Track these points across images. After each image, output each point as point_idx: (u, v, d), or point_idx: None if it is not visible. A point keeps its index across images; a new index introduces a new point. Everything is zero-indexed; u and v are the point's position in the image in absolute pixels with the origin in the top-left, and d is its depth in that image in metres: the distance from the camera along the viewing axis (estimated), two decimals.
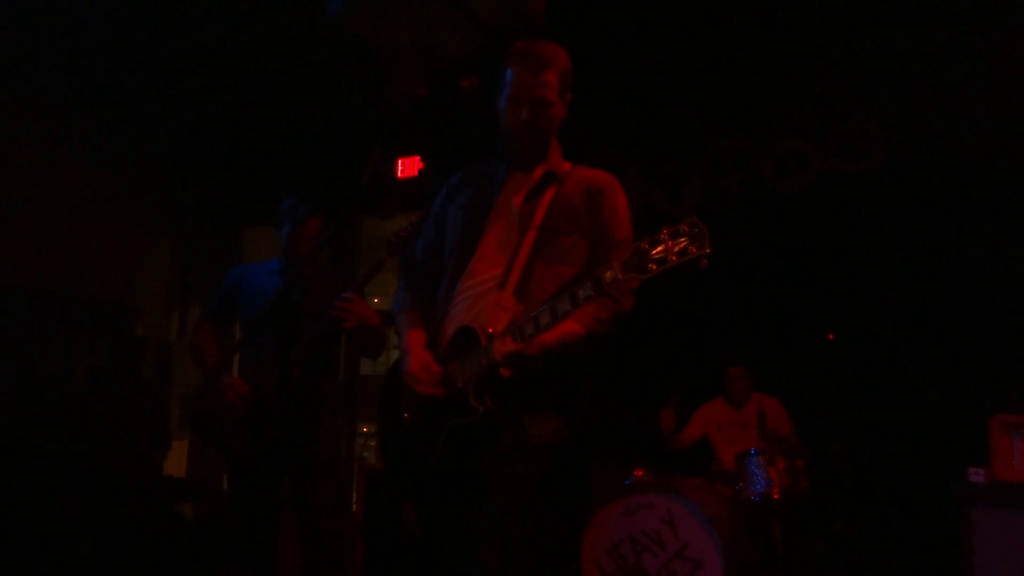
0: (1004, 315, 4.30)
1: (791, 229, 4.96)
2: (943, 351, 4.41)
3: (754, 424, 4.49)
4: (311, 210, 3.38)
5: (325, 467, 3.27)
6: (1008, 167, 4.38)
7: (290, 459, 3.22)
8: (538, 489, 2.07)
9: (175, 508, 5.37)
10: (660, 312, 5.04)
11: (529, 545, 2.04)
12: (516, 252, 2.18)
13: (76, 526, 4.53)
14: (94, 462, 4.70)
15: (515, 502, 2.04)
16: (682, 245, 1.76)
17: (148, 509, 4.81)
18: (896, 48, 4.69)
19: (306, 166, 6.22)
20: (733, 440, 4.66)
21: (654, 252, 1.78)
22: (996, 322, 4.31)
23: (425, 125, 4.95)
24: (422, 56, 4.69)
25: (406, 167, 5.72)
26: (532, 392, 2.09)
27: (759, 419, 4.43)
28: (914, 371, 4.48)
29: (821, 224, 4.88)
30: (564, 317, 1.95)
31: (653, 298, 5.03)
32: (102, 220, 6.07)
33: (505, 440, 2.07)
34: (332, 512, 3.25)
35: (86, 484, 4.65)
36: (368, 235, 6.39)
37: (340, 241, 6.13)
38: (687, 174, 5.26)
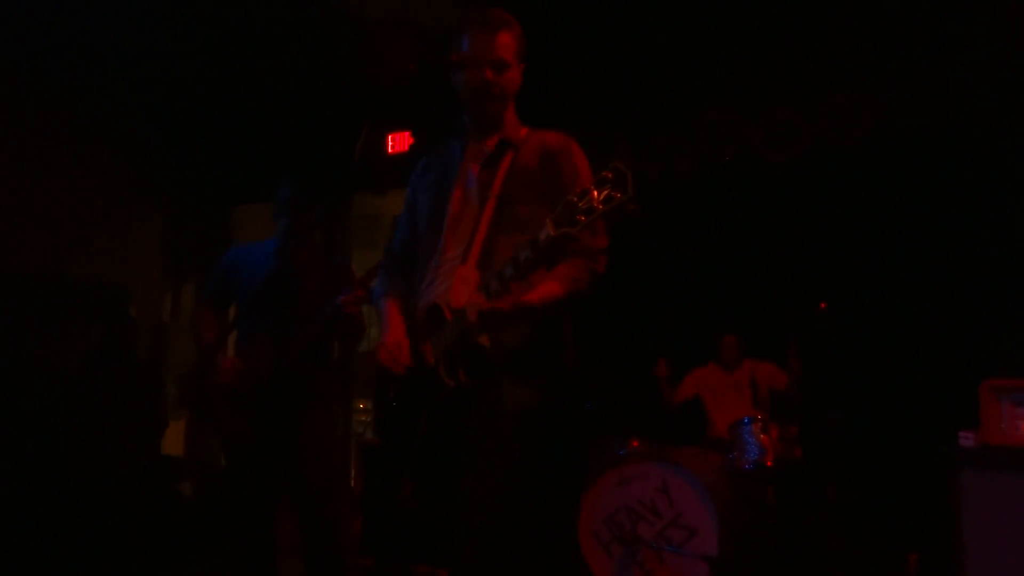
0: (994, 282, 4.33)
1: (783, 199, 4.96)
2: (933, 318, 4.44)
3: (747, 388, 4.53)
4: (309, 201, 3.36)
5: (322, 446, 3.28)
6: (998, 135, 4.38)
7: (287, 438, 3.24)
8: (516, 458, 2.07)
9: (174, 486, 5.40)
10: (653, 283, 5.07)
11: (511, 515, 2.04)
12: (476, 225, 2.18)
13: (75, 506, 4.56)
14: (92, 443, 4.72)
15: (494, 472, 2.04)
16: (606, 192, 1.76)
17: (147, 488, 4.84)
18: (886, 17, 4.67)
19: (296, 144, 6.19)
20: (726, 404, 4.70)
21: (582, 203, 1.78)
22: (986, 289, 4.34)
23: (415, 100, 4.92)
24: (410, 30, 4.66)
25: (396, 142, 5.71)
26: (505, 362, 2.09)
27: (752, 385, 4.47)
28: (905, 338, 4.51)
29: (813, 194, 4.88)
30: (509, 282, 1.94)
31: (645, 269, 5.05)
32: (93, 202, 6.05)
33: (481, 412, 2.07)
34: (329, 491, 3.26)
35: (84, 465, 4.67)
36: (359, 212, 6.38)
37: (331, 218, 6.12)
38: (677, 146, 5.25)
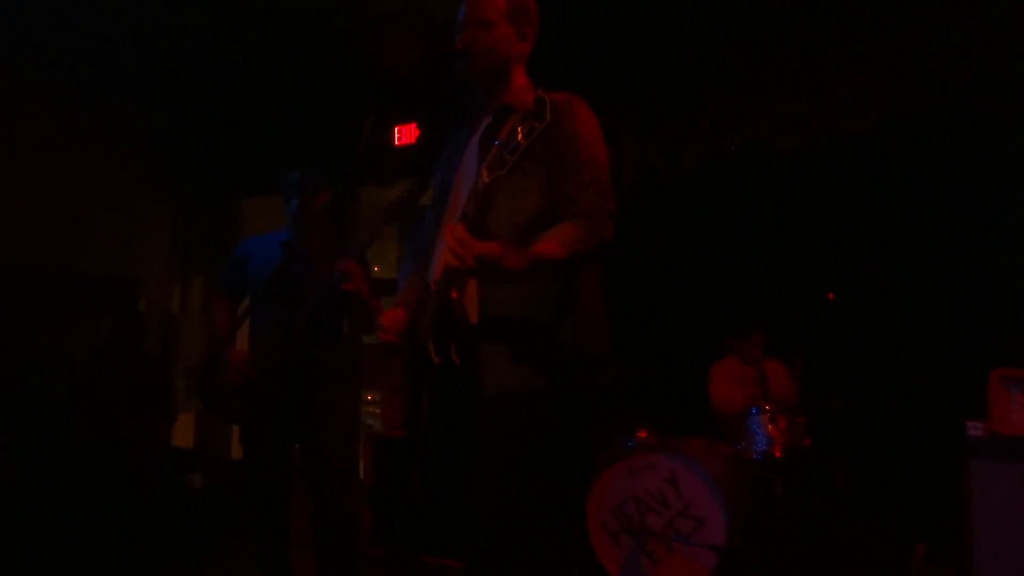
0: (1002, 271, 4.30)
1: (790, 189, 4.94)
2: (942, 307, 4.42)
3: (756, 382, 4.51)
4: (319, 184, 3.37)
5: (333, 435, 3.30)
6: (1008, 123, 4.35)
7: (299, 428, 3.26)
8: (514, 442, 1.96)
9: (184, 478, 5.44)
10: (657, 274, 5.06)
11: (517, 505, 1.97)
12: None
13: (85, 498, 4.59)
14: (101, 435, 4.75)
15: (493, 458, 1.96)
16: (530, 124, 1.71)
17: (157, 479, 4.87)
18: (893, 4, 4.64)
19: (303, 136, 6.19)
20: (735, 395, 4.68)
21: (509, 143, 1.73)
22: (995, 277, 4.32)
23: (421, 92, 4.92)
24: (417, 22, 4.65)
25: (403, 134, 5.70)
26: (497, 342, 1.98)
27: (761, 379, 4.46)
28: (913, 327, 4.49)
29: (820, 183, 4.86)
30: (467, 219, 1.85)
31: (650, 260, 5.02)
32: (102, 195, 6.08)
33: (476, 394, 1.98)
34: (340, 480, 3.27)
35: (94, 457, 4.70)
36: (366, 204, 6.38)
37: (339, 210, 6.12)
38: (684, 136, 5.23)
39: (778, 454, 3.98)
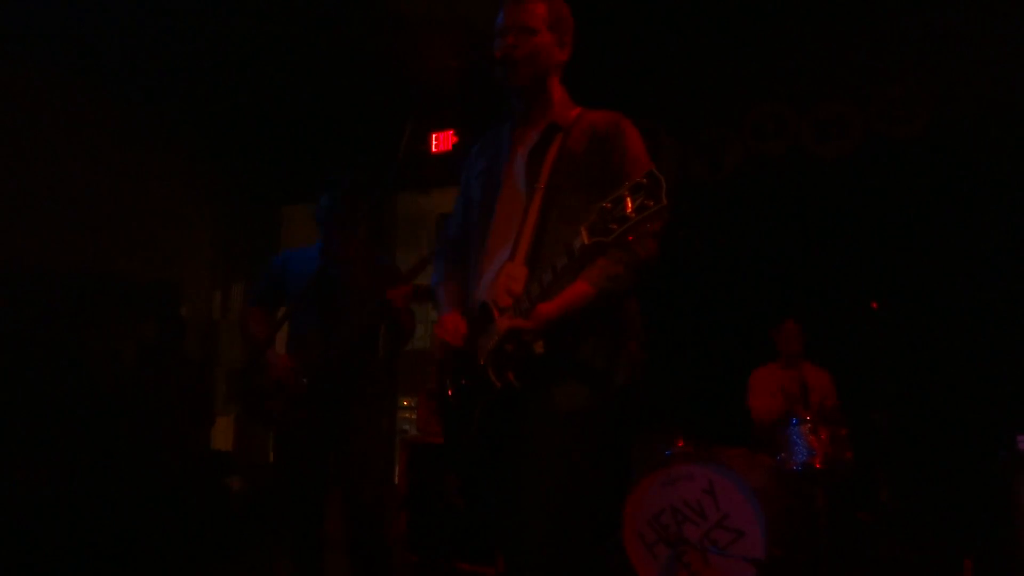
0: None
1: (833, 195, 4.86)
2: (988, 316, 4.31)
3: (796, 390, 4.43)
4: (348, 211, 3.40)
5: (367, 444, 3.31)
6: None
7: (335, 434, 3.28)
8: (571, 460, 2.02)
9: (223, 481, 5.50)
10: (698, 280, 5.01)
11: (569, 517, 2.01)
12: (524, 218, 2.12)
13: (125, 499, 4.66)
14: (142, 438, 4.82)
15: (550, 476, 2.01)
16: (640, 200, 1.70)
17: (196, 482, 4.93)
18: (940, 10, 4.55)
19: (342, 144, 6.25)
20: (774, 404, 4.60)
21: (616, 211, 1.73)
22: None
23: (459, 99, 4.94)
24: (455, 29, 4.67)
25: (440, 141, 5.73)
26: (555, 362, 2.03)
27: (802, 387, 4.37)
28: (959, 337, 4.39)
29: (864, 190, 4.78)
30: (550, 288, 1.91)
31: (690, 266, 4.97)
32: (146, 201, 6.19)
33: (533, 412, 2.04)
34: (373, 487, 3.29)
35: (134, 459, 4.77)
36: (404, 210, 6.42)
37: (376, 217, 6.17)
38: (727, 141, 5.18)
39: (819, 465, 3.90)
